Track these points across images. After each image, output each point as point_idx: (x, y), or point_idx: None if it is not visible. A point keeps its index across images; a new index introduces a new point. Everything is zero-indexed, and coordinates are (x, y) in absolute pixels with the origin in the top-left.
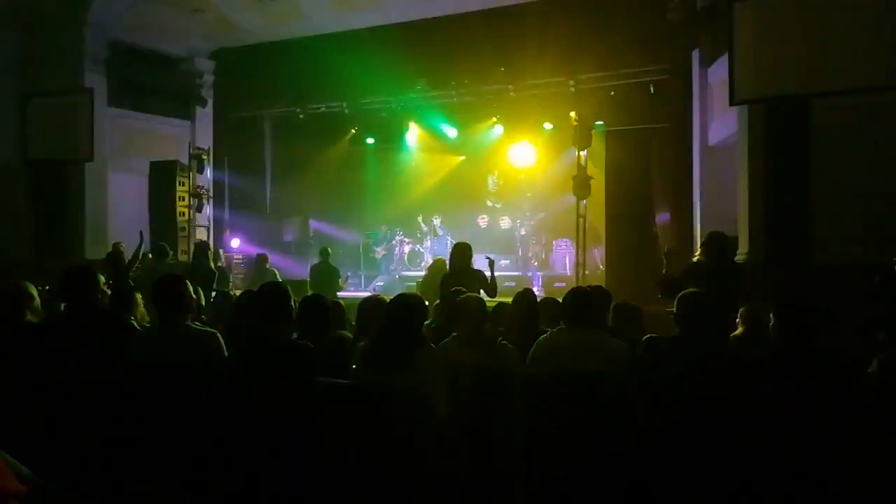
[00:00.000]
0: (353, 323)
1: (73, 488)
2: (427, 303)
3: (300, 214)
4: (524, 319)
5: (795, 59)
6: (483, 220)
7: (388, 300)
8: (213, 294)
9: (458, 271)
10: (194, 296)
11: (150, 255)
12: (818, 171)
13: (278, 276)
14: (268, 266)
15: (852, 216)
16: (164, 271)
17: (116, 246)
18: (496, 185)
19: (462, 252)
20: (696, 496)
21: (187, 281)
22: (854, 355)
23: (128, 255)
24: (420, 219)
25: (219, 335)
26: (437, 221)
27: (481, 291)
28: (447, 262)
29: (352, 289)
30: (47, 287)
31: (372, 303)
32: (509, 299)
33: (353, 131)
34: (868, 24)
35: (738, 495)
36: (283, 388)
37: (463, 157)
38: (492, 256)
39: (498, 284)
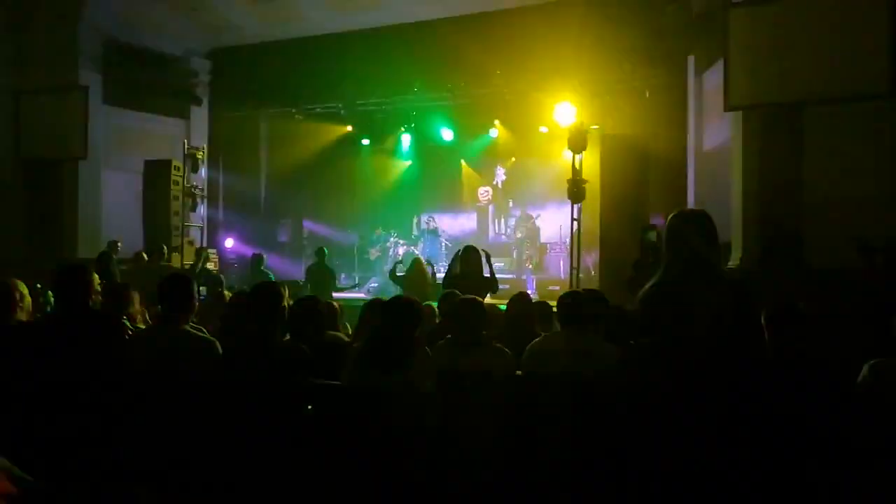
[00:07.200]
0: (347, 324)
1: (62, 488)
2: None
3: (294, 215)
4: (519, 322)
5: (789, 67)
6: (474, 227)
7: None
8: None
9: (467, 274)
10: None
11: (144, 255)
12: (811, 177)
13: (272, 277)
14: (263, 267)
15: (845, 221)
16: (159, 271)
17: (112, 244)
18: (489, 186)
19: (471, 255)
20: (686, 500)
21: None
22: (846, 360)
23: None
24: (415, 221)
25: (217, 343)
26: (431, 222)
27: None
28: (424, 263)
29: (357, 291)
30: (38, 286)
31: (373, 306)
32: (504, 302)
33: (349, 132)
34: (859, 33)
35: (727, 500)
36: (275, 390)
37: (458, 159)
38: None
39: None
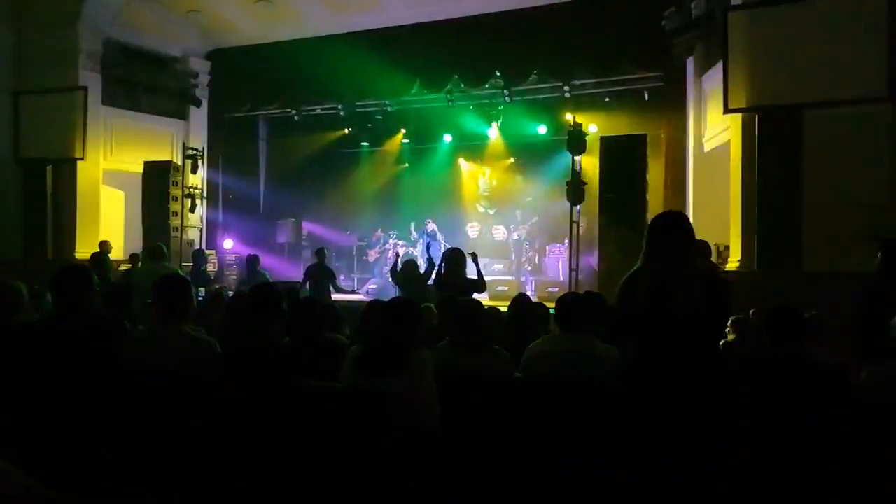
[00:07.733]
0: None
1: (62, 490)
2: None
3: (293, 216)
4: (519, 323)
5: (788, 70)
6: (473, 229)
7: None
8: (202, 295)
9: (452, 278)
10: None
11: (141, 256)
12: (810, 180)
13: (269, 278)
14: (258, 268)
15: (843, 224)
16: (159, 272)
17: (103, 245)
18: (488, 188)
19: (455, 258)
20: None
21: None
22: (844, 363)
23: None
24: (412, 226)
25: (216, 344)
26: (430, 226)
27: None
28: (424, 263)
29: (364, 296)
30: (36, 286)
31: (372, 307)
32: (503, 304)
33: (348, 133)
34: (858, 37)
35: (726, 501)
36: (274, 392)
37: (458, 161)
38: (479, 258)
39: (490, 289)
